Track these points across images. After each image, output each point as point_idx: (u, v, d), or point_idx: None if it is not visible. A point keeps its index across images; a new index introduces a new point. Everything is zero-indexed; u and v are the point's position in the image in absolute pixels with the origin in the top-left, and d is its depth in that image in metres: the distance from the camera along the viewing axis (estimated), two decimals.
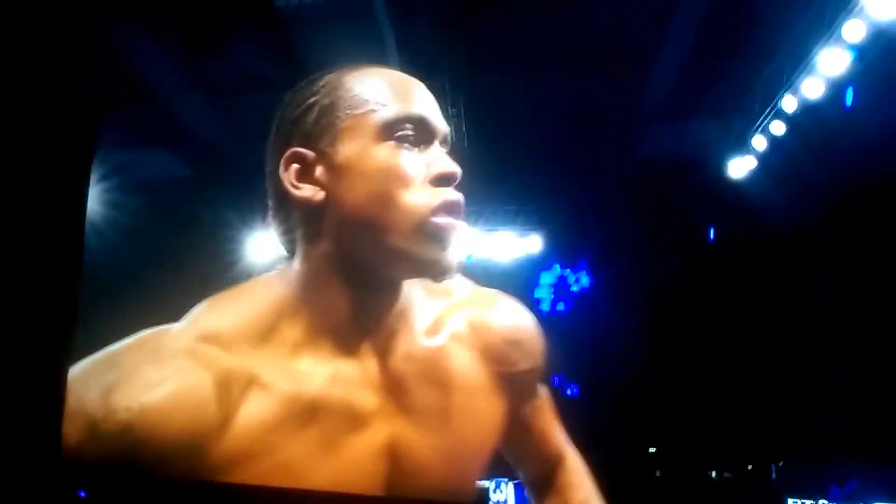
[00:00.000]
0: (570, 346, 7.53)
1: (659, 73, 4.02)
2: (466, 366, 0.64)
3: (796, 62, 3.29)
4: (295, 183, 0.57)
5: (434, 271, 0.58)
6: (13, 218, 0.36)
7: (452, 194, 0.58)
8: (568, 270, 6.94)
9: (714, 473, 6.05)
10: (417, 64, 4.14)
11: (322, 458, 0.55)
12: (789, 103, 3.58)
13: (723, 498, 5.60)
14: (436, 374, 0.62)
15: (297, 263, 0.60)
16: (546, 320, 8.20)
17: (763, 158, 4.07)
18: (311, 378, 0.56)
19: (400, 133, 0.57)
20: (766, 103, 3.67)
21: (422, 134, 0.59)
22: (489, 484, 4.58)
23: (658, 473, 6.34)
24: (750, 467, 5.86)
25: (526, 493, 0.81)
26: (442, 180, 0.58)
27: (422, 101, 0.60)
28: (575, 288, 7.07)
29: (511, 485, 4.34)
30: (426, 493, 0.60)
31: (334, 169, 0.57)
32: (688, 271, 5.29)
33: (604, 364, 6.52)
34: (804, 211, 4.34)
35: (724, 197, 4.43)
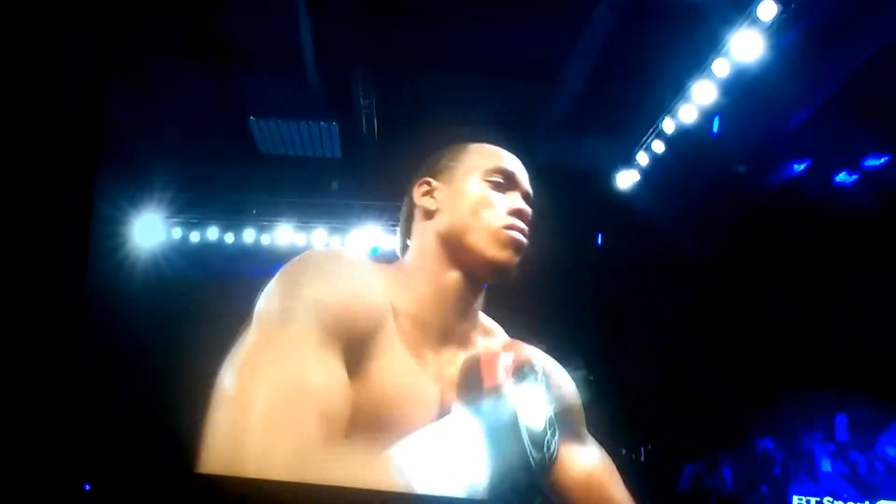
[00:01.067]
0: None
1: (559, 90, 4.36)
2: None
3: (675, 91, 3.72)
4: (421, 197, 0.89)
5: (497, 269, 0.83)
6: (17, 217, 0.39)
7: (520, 222, 0.85)
8: None
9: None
10: (332, 53, 4.13)
11: (405, 392, 0.75)
12: (668, 125, 4.03)
13: None
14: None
15: (409, 256, 0.88)
16: None
17: (645, 173, 4.53)
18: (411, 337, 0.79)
19: (492, 178, 0.87)
20: (649, 125, 4.10)
21: (508, 184, 0.88)
22: None
23: None
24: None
25: None
26: (515, 213, 0.85)
27: (513, 163, 0.90)
28: None
29: None
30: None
31: (447, 193, 0.88)
32: (577, 272, 5.71)
33: None
34: (680, 219, 4.88)
35: (611, 206, 4.86)
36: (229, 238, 6.38)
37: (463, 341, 0.85)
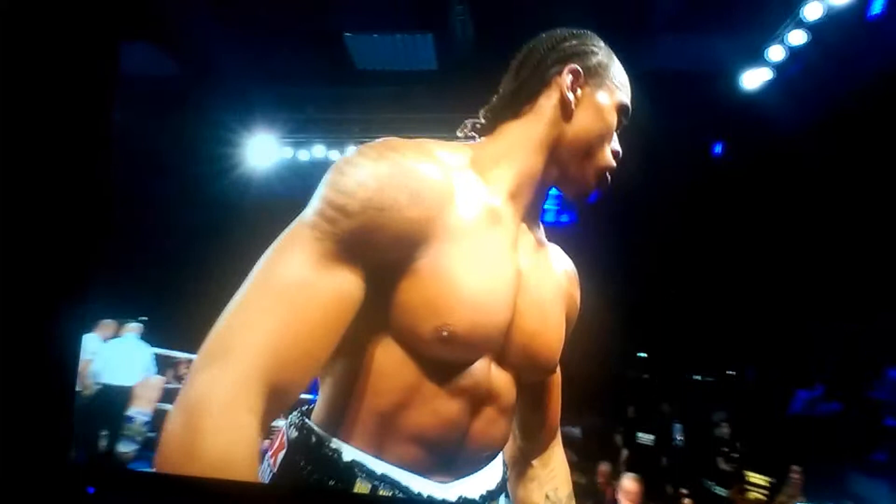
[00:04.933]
0: (576, 259, 7.62)
1: None
2: (558, 277, 0.91)
3: None
4: (569, 86, 0.81)
5: (580, 197, 0.86)
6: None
7: (613, 164, 0.85)
8: None
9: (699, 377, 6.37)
10: None
11: (481, 266, 0.72)
12: (812, 10, 3.40)
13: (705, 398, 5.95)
14: (548, 269, 0.88)
15: (515, 131, 0.83)
16: (549, 231, 8.19)
17: (779, 70, 3.92)
18: (498, 207, 0.78)
19: (621, 116, 0.85)
20: (785, 13, 3.48)
21: (621, 125, 0.86)
22: None
23: (646, 376, 6.71)
24: (730, 371, 6.16)
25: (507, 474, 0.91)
26: (616, 156, 0.85)
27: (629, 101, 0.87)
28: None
29: None
30: (528, 341, 0.78)
31: (588, 101, 0.82)
32: (693, 185, 5.25)
33: (609, 279, 6.67)
34: (819, 123, 4.24)
35: (734, 110, 4.31)
36: (334, 155, 6.64)
37: (531, 234, 0.86)
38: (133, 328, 4.82)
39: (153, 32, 4.47)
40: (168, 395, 4.94)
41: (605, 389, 5.52)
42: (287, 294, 0.61)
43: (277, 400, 0.59)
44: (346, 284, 0.64)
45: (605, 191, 0.85)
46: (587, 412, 4.91)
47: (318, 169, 6.41)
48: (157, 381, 5.03)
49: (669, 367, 6.36)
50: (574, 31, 0.85)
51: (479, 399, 0.74)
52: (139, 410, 4.71)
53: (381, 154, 0.68)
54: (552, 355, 0.83)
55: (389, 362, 0.70)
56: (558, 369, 0.94)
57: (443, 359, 0.70)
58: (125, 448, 4.65)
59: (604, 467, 4.09)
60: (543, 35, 0.86)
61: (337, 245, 0.64)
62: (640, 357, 6.83)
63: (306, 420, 0.75)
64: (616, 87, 0.84)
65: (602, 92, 0.82)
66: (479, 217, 0.74)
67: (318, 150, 6.47)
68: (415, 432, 0.70)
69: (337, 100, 5.89)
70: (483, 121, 0.87)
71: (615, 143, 0.85)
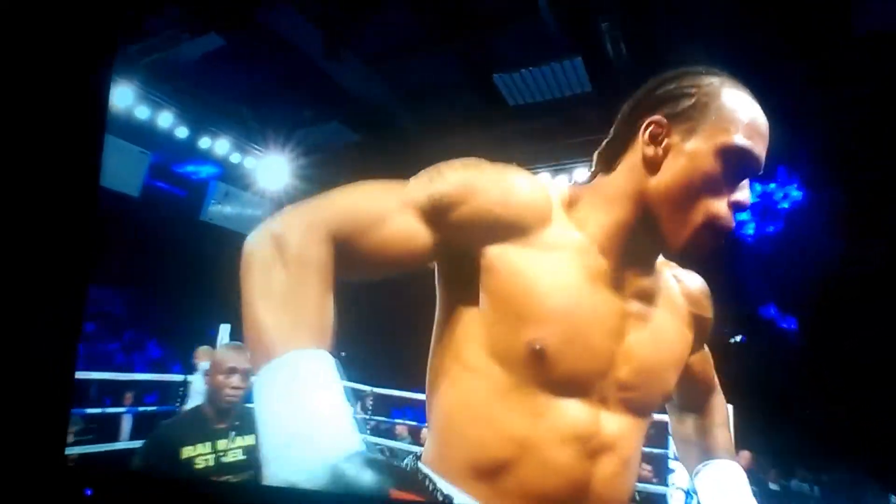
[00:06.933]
0: (784, 271, 6.51)
1: None
2: (679, 305, 0.88)
3: None
4: (647, 140, 0.76)
5: (680, 258, 0.80)
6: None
7: (733, 217, 0.74)
8: (773, 185, 5.90)
9: None
10: None
11: (582, 308, 0.73)
12: None
13: None
14: (663, 304, 0.84)
15: (599, 187, 0.81)
16: (753, 246, 7.13)
17: None
18: (589, 254, 0.77)
19: (732, 155, 0.73)
20: None
21: (746, 169, 0.74)
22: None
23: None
24: None
25: (671, 417, 1.04)
26: (738, 207, 0.73)
27: (762, 146, 0.74)
28: (785, 205, 6.02)
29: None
30: (638, 380, 0.77)
31: (678, 150, 0.75)
32: None
33: (827, 289, 5.52)
34: None
35: None
36: None
37: (641, 280, 0.81)
38: None
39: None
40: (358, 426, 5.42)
41: None
42: (369, 201, 0.72)
43: (338, 253, 0.66)
44: (417, 233, 0.72)
45: (715, 248, 0.74)
46: None
47: None
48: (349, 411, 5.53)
49: None
50: (678, 72, 0.78)
51: (593, 447, 0.72)
52: None
53: (487, 164, 0.78)
54: (663, 392, 0.82)
55: (491, 395, 0.71)
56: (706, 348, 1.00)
57: (541, 383, 0.70)
58: None
59: None
60: (651, 79, 0.81)
61: (426, 202, 0.73)
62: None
63: (419, 464, 0.78)
64: (721, 128, 0.72)
65: (695, 139, 0.73)
66: (569, 247, 0.75)
67: None
68: (526, 488, 0.67)
69: (495, 140, 5.98)
70: (593, 167, 0.85)
71: (738, 193, 0.73)
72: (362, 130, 5.59)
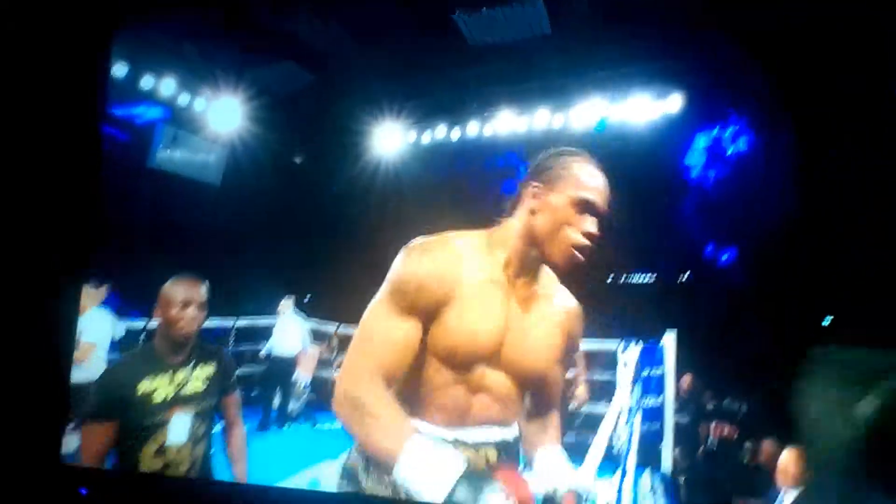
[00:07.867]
0: (722, 214, 6.89)
1: None
2: (555, 317, 1.28)
3: None
4: (530, 199, 1.21)
5: (559, 272, 1.25)
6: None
7: (586, 241, 1.16)
8: (726, 132, 6.12)
9: None
10: None
11: (480, 312, 1.18)
12: None
13: None
14: (541, 308, 1.27)
15: (506, 226, 1.24)
16: (696, 189, 7.45)
17: None
18: (496, 274, 1.22)
19: (579, 203, 1.17)
20: None
21: (591, 210, 1.17)
22: (618, 344, 4.62)
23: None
24: None
25: (521, 429, 1.35)
26: (588, 235, 1.16)
27: (598, 192, 1.17)
28: (730, 151, 6.27)
29: (640, 344, 4.43)
30: (522, 361, 1.21)
31: (546, 202, 1.19)
32: (877, 130, 4.36)
33: (762, 233, 5.90)
34: None
35: None
36: (455, 134, 6.71)
37: (528, 289, 1.25)
38: (286, 304, 5.37)
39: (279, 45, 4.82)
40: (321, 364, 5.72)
41: None
42: (378, 335, 1.15)
43: (386, 382, 1.11)
44: (410, 328, 1.15)
45: (580, 262, 1.17)
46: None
47: (440, 149, 6.57)
48: (314, 352, 5.67)
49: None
50: (550, 152, 1.23)
51: (475, 388, 1.20)
52: (302, 376, 5.51)
53: (420, 255, 1.16)
54: (535, 365, 1.25)
55: (433, 370, 1.19)
56: (558, 379, 1.37)
57: (457, 364, 1.18)
58: (292, 405, 5.52)
59: None
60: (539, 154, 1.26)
61: (401, 308, 1.14)
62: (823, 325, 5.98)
63: None
64: (570, 186, 1.17)
65: (555, 195, 1.18)
66: (482, 282, 1.20)
67: (440, 131, 6.57)
68: (440, 405, 1.20)
69: (454, 79, 5.88)
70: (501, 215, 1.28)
71: (588, 226, 1.16)
72: (316, 73, 5.39)
